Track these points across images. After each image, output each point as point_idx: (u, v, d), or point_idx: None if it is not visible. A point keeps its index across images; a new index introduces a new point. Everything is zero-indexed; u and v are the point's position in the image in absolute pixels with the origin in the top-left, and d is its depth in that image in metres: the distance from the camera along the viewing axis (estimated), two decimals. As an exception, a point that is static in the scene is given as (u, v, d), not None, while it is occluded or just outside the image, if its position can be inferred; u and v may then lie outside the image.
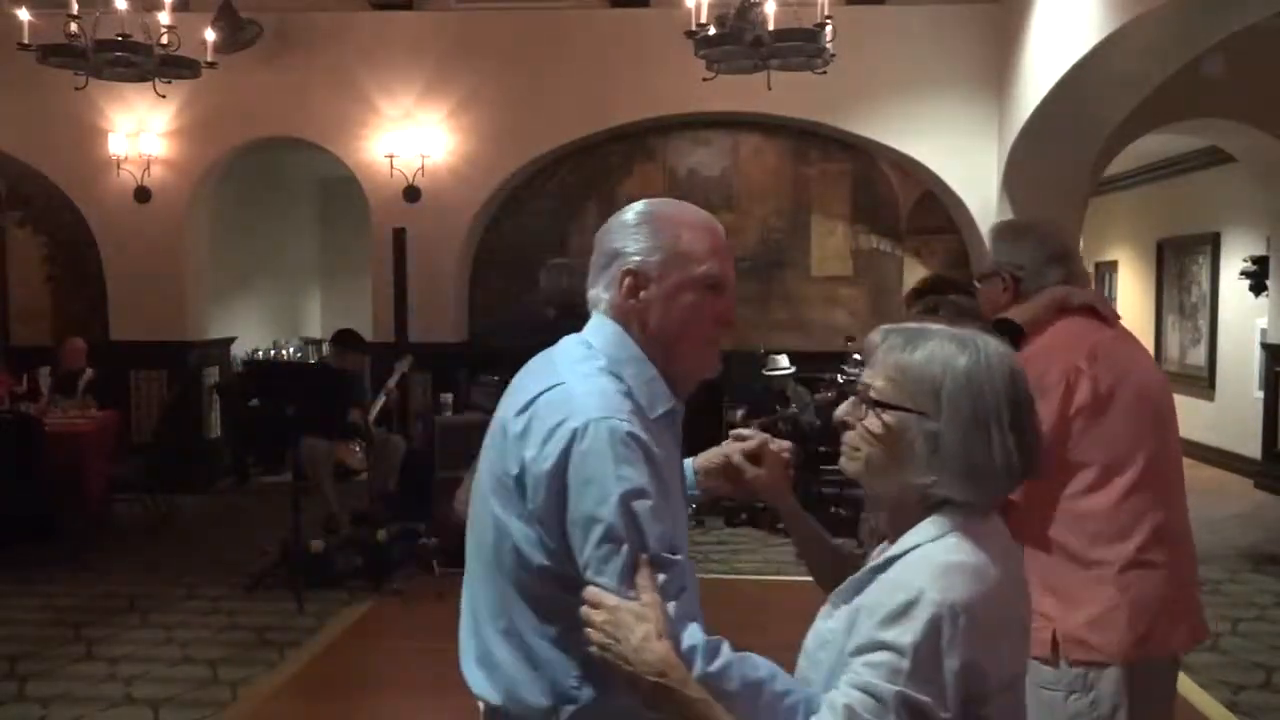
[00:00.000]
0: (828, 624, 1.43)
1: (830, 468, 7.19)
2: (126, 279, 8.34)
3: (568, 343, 1.59)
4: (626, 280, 1.53)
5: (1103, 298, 2.36)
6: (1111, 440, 2.14)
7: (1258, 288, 8.74)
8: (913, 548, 1.35)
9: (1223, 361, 9.61)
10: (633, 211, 1.58)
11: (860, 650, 1.29)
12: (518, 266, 8.62)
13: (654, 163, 8.60)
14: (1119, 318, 2.36)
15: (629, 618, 1.34)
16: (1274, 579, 6.07)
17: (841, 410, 1.46)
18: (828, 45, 5.69)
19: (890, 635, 1.26)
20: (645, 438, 1.43)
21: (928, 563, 1.31)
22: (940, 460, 1.35)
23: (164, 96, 6.94)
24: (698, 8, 5.63)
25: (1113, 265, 12.13)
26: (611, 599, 1.36)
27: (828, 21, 5.57)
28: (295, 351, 10.00)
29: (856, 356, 7.42)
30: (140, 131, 8.15)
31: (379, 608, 5.47)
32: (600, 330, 1.56)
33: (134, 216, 8.26)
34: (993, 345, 1.40)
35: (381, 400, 6.90)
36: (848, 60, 6.36)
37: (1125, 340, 2.31)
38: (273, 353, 9.78)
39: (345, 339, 6.89)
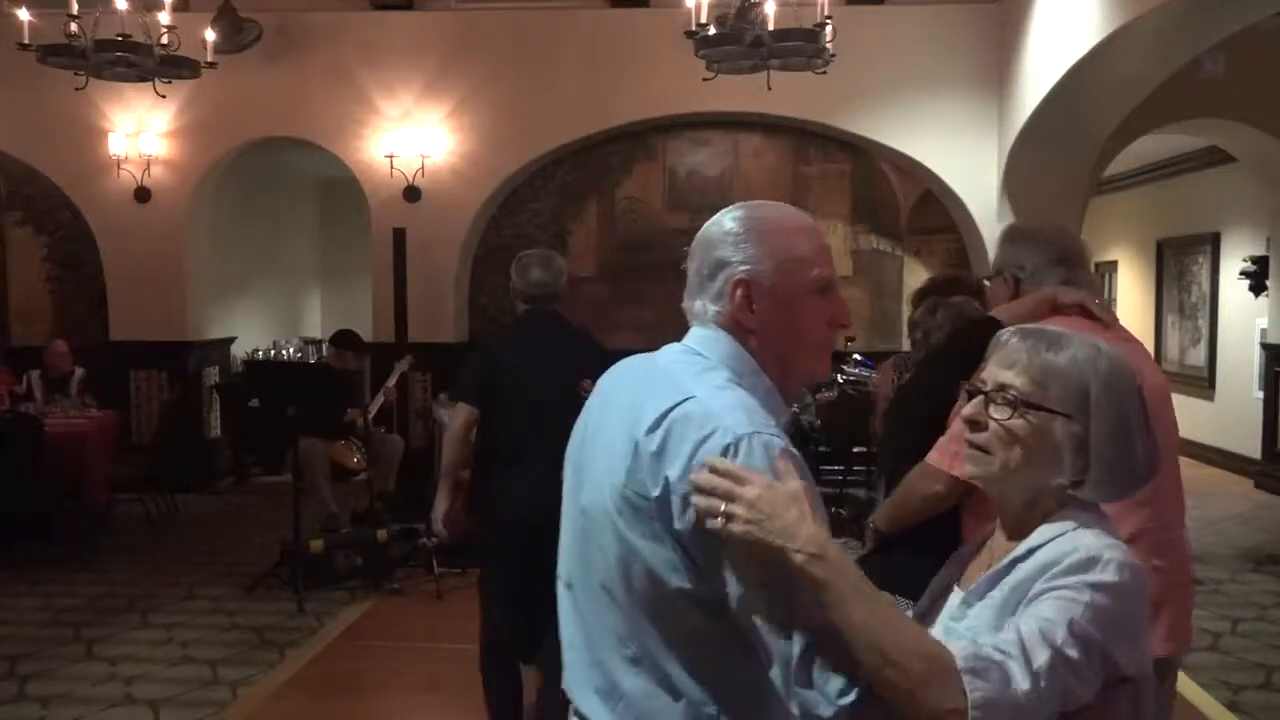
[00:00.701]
0: (963, 623, 1.41)
1: (830, 468, 7.20)
2: (126, 279, 8.34)
3: (674, 353, 1.52)
4: (739, 291, 1.46)
5: (1096, 298, 2.35)
6: None
7: (1258, 288, 8.74)
8: (1051, 539, 1.37)
9: (1223, 361, 9.61)
10: (734, 219, 1.50)
11: (1031, 600, 1.31)
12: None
13: (654, 163, 8.60)
14: (1115, 320, 2.35)
15: (783, 495, 1.29)
16: (1274, 579, 6.07)
17: (971, 410, 1.44)
18: (828, 45, 5.69)
19: (1070, 580, 1.30)
20: (797, 453, 1.38)
21: (1081, 544, 1.34)
22: (1084, 462, 1.38)
23: (164, 96, 6.93)
24: (698, 8, 5.63)
25: (1113, 265, 12.13)
26: (760, 478, 1.30)
27: (828, 21, 5.57)
28: (295, 352, 9.99)
29: (857, 356, 7.41)
30: (140, 131, 8.15)
31: (379, 608, 5.47)
32: (714, 342, 1.48)
33: (134, 216, 8.26)
34: (1115, 350, 1.45)
35: (381, 400, 6.90)
36: (848, 60, 6.36)
37: (1123, 342, 2.30)
38: (273, 353, 9.78)
39: (343, 339, 6.90)
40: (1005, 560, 1.40)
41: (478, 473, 3.62)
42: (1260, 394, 8.76)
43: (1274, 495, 8.32)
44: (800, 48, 5.66)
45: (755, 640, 1.31)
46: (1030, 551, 1.37)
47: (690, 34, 5.77)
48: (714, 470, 1.31)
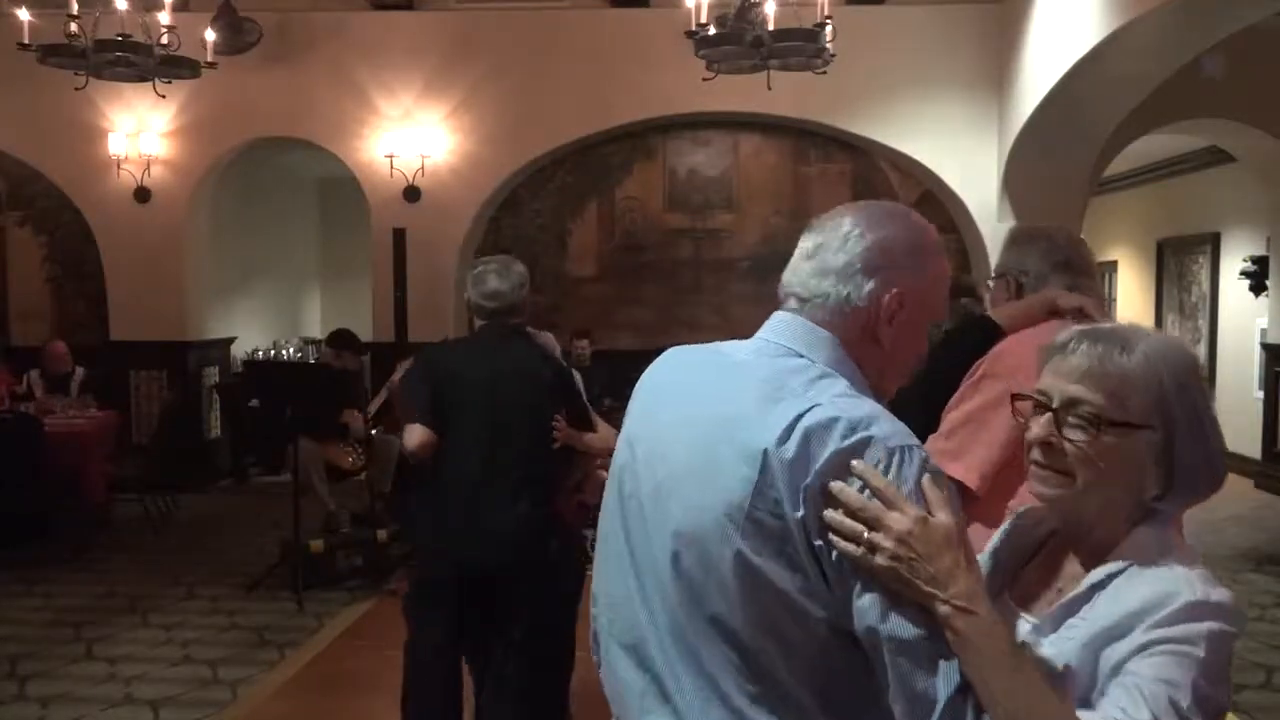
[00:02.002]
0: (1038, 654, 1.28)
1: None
2: (126, 279, 8.34)
3: (765, 350, 1.36)
4: (894, 303, 1.34)
5: (1099, 304, 2.34)
6: None
7: (1258, 288, 8.74)
8: (1132, 568, 1.25)
9: (1223, 361, 9.60)
10: (905, 224, 1.40)
11: (1134, 653, 1.18)
12: (518, 266, 8.61)
13: (654, 163, 8.60)
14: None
15: (940, 534, 1.17)
16: (1274, 579, 6.07)
17: (1041, 430, 1.29)
18: (828, 45, 5.69)
19: (1182, 632, 1.17)
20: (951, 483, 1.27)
21: (1182, 584, 1.21)
22: (1168, 469, 1.26)
23: (164, 96, 6.94)
24: (698, 8, 5.63)
25: (1113, 265, 12.13)
26: (913, 509, 1.17)
27: (828, 21, 5.57)
28: (295, 351, 9.99)
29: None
30: (140, 131, 8.15)
31: (379, 608, 5.46)
32: (818, 343, 1.34)
33: (134, 216, 8.26)
34: (1168, 334, 1.35)
35: (382, 399, 6.89)
36: (848, 60, 6.36)
37: None
38: (272, 353, 9.78)
39: (340, 340, 6.89)
40: (1083, 587, 1.27)
41: (422, 500, 3.29)
42: (1260, 394, 8.76)
43: (1274, 495, 8.32)
44: (800, 48, 5.66)
45: (884, 676, 1.20)
46: (1110, 578, 1.25)
47: (690, 34, 5.77)
48: (865, 484, 1.18)
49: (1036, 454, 1.30)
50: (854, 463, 1.20)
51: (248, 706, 4.28)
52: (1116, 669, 1.19)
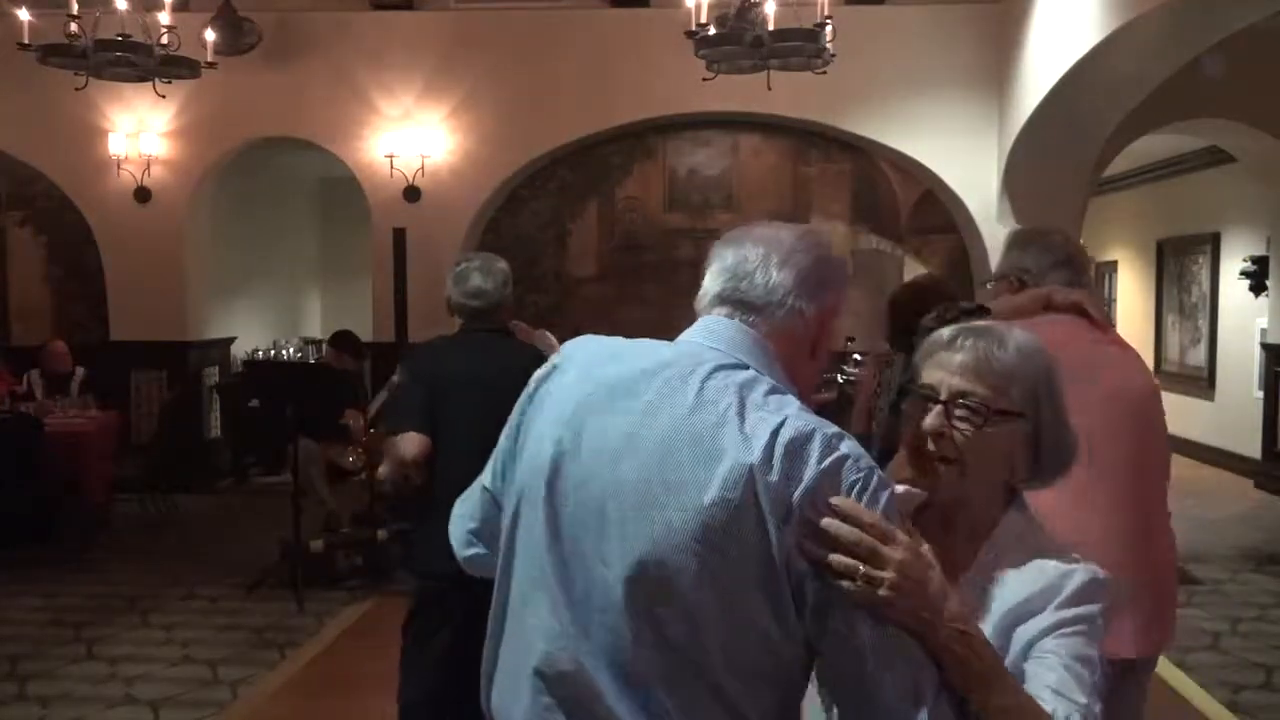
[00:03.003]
0: None
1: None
2: (126, 279, 8.34)
3: (708, 360, 1.29)
4: (830, 319, 1.37)
5: (1095, 300, 2.35)
6: None
7: (1258, 288, 8.74)
8: (1018, 545, 1.39)
9: (1223, 361, 9.60)
10: (829, 245, 1.41)
11: (1046, 632, 1.30)
12: (518, 266, 8.60)
13: (654, 163, 8.59)
14: (1111, 324, 2.37)
15: (925, 559, 1.19)
16: (1274, 579, 6.07)
17: (934, 422, 1.36)
18: (828, 45, 5.69)
19: (1084, 611, 1.31)
20: None
21: (1072, 566, 1.36)
22: (1035, 457, 1.41)
23: (164, 96, 6.94)
24: (698, 8, 5.63)
25: (1113, 265, 12.14)
26: (902, 536, 1.18)
27: (828, 21, 5.57)
28: (295, 352, 9.99)
29: (857, 356, 7.40)
30: (140, 131, 8.15)
31: (379, 608, 5.46)
32: (762, 354, 1.31)
33: (134, 216, 8.26)
34: (1029, 333, 1.46)
35: (382, 399, 6.89)
36: (848, 60, 6.36)
37: (1109, 344, 2.30)
38: (272, 353, 9.78)
39: (341, 340, 6.89)
40: (977, 566, 1.38)
41: (420, 514, 3.19)
42: (1260, 394, 8.76)
43: (1274, 495, 8.32)
44: (800, 48, 5.66)
45: (862, 707, 1.17)
46: (996, 557, 1.37)
47: (690, 34, 5.76)
48: (847, 519, 1.16)
49: (930, 444, 1.38)
50: (836, 501, 1.16)
51: (248, 706, 4.28)
52: (1030, 646, 1.29)
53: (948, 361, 1.38)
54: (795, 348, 1.35)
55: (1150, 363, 10.26)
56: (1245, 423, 8.92)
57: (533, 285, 8.62)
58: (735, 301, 1.35)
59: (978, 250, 7.90)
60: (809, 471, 1.16)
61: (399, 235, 7.67)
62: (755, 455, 1.16)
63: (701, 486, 1.17)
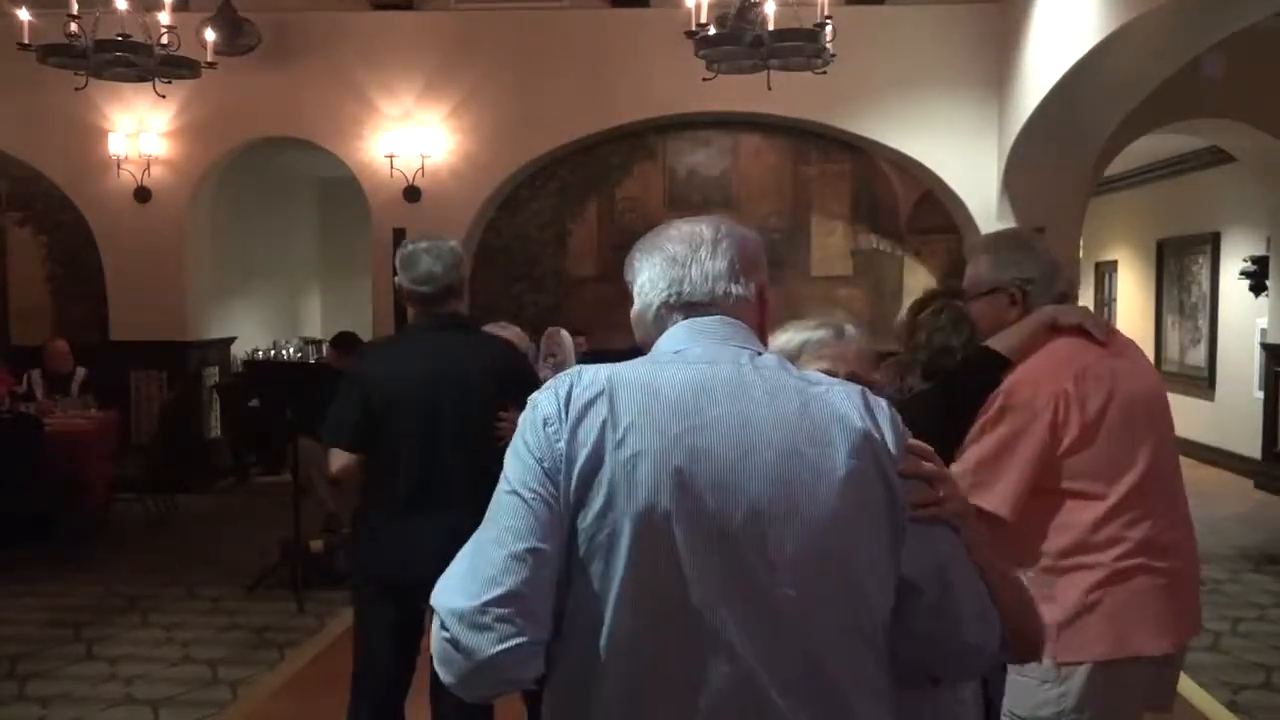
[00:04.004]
0: None
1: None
2: (126, 279, 8.34)
3: (743, 360, 1.32)
4: (766, 295, 1.45)
5: (1093, 315, 2.32)
6: (1102, 462, 2.16)
7: (1258, 288, 8.74)
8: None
9: (1223, 361, 9.60)
10: (735, 229, 1.46)
11: None
12: (518, 267, 8.63)
13: (654, 163, 8.60)
14: (1112, 332, 2.33)
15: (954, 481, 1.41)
16: (1274, 579, 6.07)
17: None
18: (828, 45, 5.69)
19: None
20: None
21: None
22: None
23: (164, 96, 6.94)
24: (698, 8, 5.63)
25: (1113, 265, 12.14)
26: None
27: (828, 21, 5.57)
28: (295, 352, 10.00)
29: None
30: (140, 131, 8.15)
31: (379, 608, 5.46)
32: (755, 339, 1.41)
33: (134, 216, 8.26)
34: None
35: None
36: (848, 60, 6.36)
37: (1115, 355, 2.28)
38: (273, 353, 9.78)
39: (342, 341, 6.90)
40: None
41: (359, 519, 3.10)
42: (1260, 394, 8.76)
43: (1274, 495, 8.32)
44: (800, 48, 5.66)
45: (941, 619, 1.30)
46: None
47: (690, 34, 5.77)
48: (917, 453, 1.33)
49: None
50: (913, 443, 1.32)
51: (248, 706, 4.28)
52: None
53: (844, 351, 1.80)
54: (757, 328, 1.43)
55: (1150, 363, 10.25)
56: (1245, 423, 8.92)
57: (533, 285, 8.63)
58: (707, 299, 1.39)
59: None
60: (888, 423, 1.30)
61: (399, 235, 7.66)
62: (859, 420, 1.27)
63: (835, 465, 1.24)
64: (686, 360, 1.31)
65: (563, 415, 1.25)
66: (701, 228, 1.43)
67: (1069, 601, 2.14)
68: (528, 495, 1.23)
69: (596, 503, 1.22)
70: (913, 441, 1.33)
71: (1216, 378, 9.68)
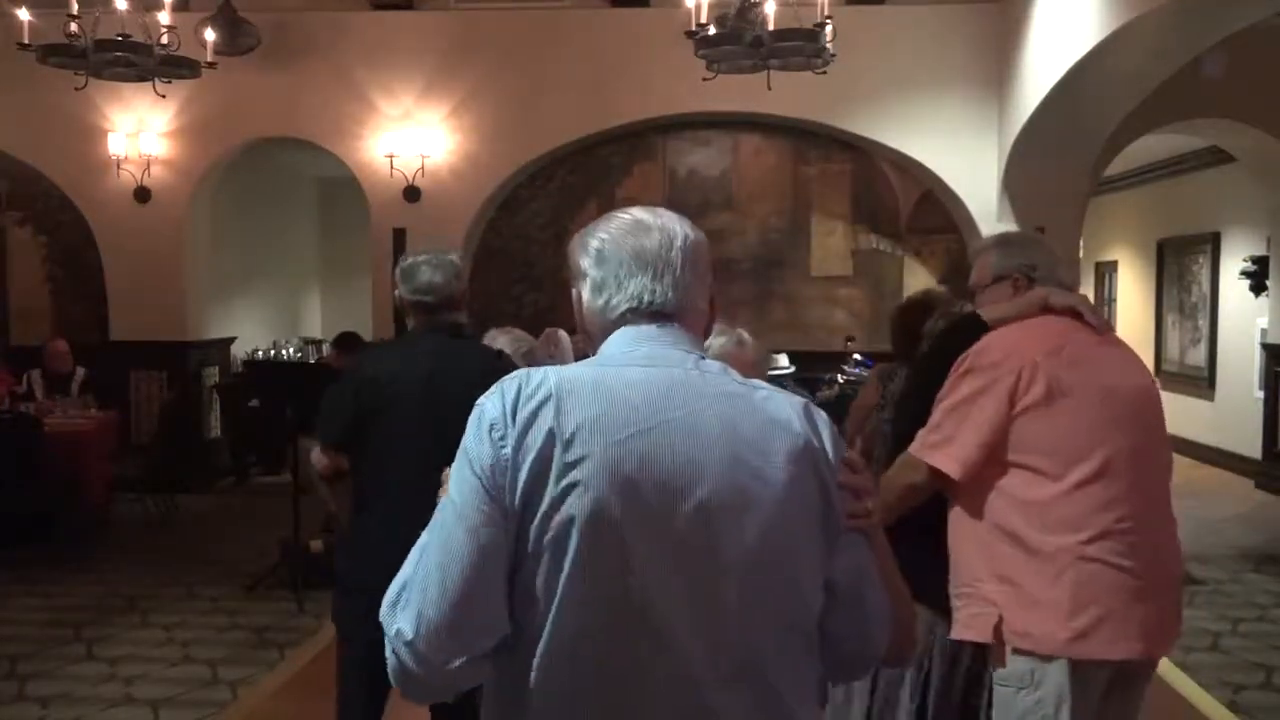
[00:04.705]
0: None
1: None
2: (126, 279, 8.34)
3: (689, 364, 1.33)
4: (715, 295, 1.47)
5: (1090, 305, 2.34)
6: (1063, 434, 2.14)
7: (1258, 288, 8.74)
8: None
9: (1223, 361, 9.60)
10: (696, 235, 1.45)
11: None
12: (518, 267, 8.63)
13: (654, 163, 8.59)
14: (1109, 328, 2.34)
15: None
16: (1274, 579, 6.07)
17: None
18: (828, 45, 5.69)
19: None
20: None
21: None
22: None
23: (164, 96, 6.94)
24: (698, 8, 5.63)
25: (1113, 265, 12.14)
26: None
27: (828, 21, 5.57)
28: (295, 352, 9.99)
29: (857, 356, 7.42)
30: (140, 131, 8.15)
31: (379, 608, 5.45)
32: (698, 344, 1.41)
33: (134, 216, 8.26)
34: None
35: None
36: (848, 60, 6.36)
37: (1106, 346, 2.29)
38: (273, 353, 9.78)
39: (345, 341, 6.89)
40: None
41: (350, 523, 3.10)
42: (1260, 394, 8.76)
43: (1274, 495, 8.32)
44: (800, 48, 5.66)
45: (851, 624, 1.35)
46: None
47: (690, 34, 5.77)
48: (850, 466, 1.36)
49: None
50: (850, 456, 1.35)
51: (248, 706, 4.28)
52: None
53: (743, 357, 2.10)
54: (700, 332, 1.44)
55: (1150, 363, 10.26)
56: (1245, 423, 8.92)
57: (533, 285, 8.62)
58: (650, 314, 1.37)
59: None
60: (827, 432, 1.33)
61: (399, 235, 7.68)
62: (800, 428, 1.30)
63: (779, 472, 1.27)
64: (634, 363, 1.31)
65: (509, 421, 1.24)
66: (672, 226, 1.41)
67: (1036, 588, 2.11)
68: (473, 508, 1.23)
69: (542, 507, 1.22)
70: (848, 454, 1.36)
71: (1216, 378, 9.68)
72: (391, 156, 8.00)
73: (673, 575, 1.22)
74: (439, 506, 1.28)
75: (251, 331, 9.77)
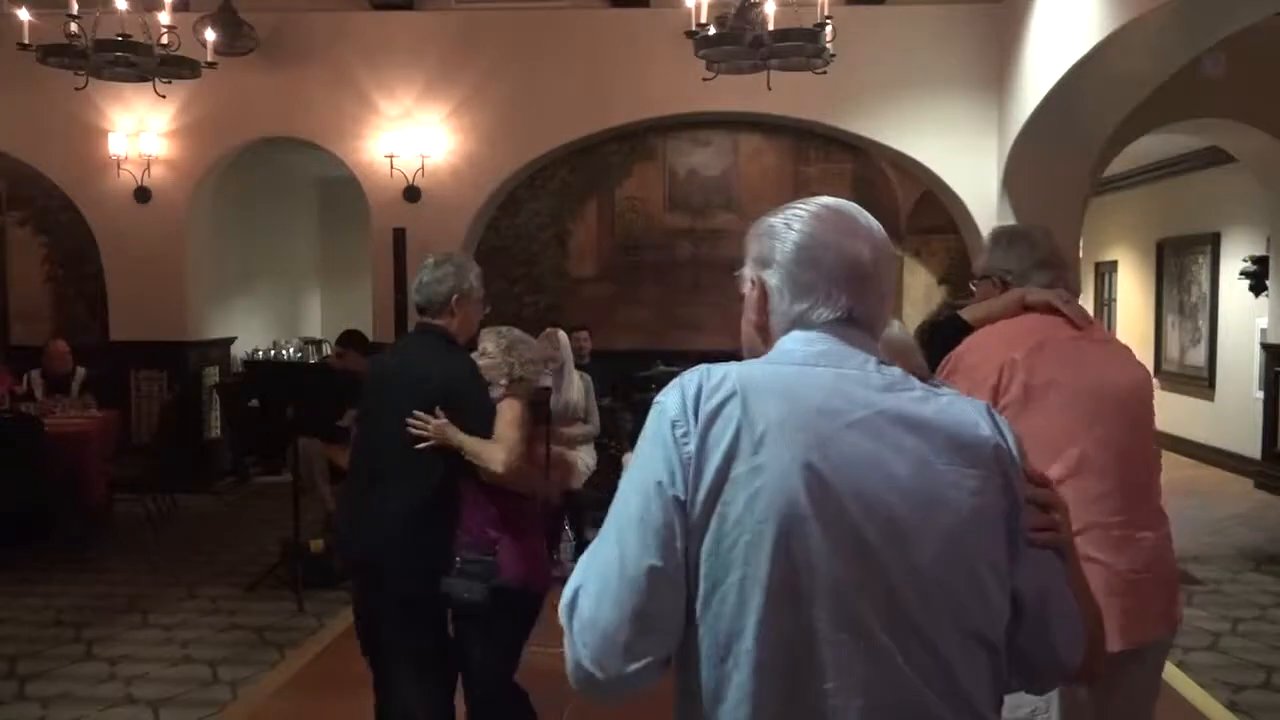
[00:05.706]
0: None
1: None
2: (126, 279, 8.34)
3: (871, 359, 1.31)
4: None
5: (1069, 298, 2.35)
6: (1038, 431, 2.13)
7: (1258, 288, 8.74)
8: None
9: (1223, 361, 9.60)
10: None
11: None
12: (518, 267, 8.63)
13: (654, 163, 8.60)
14: (1090, 321, 2.35)
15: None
16: (1274, 579, 6.07)
17: None
18: (828, 45, 5.69)
19: None
20: None
21: None
22: None
23: (164, 96, 6.94)
24: (698, 8, 5.63)
25: (1113, 265, 12.14)
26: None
27: (828, 21, 5.57)
28: (295, 352, 9.99)
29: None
30: (140, 131, 8.15)
31: (379, 608, 5.46)
32: (875, 346, 1.37)
33: (134, 216, 8.26)
34: None
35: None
36: (848, 60, 6.36)
37: (1088, 342, 2.30)
38: (273, 353, 9.78)
39: (348, 340, 6.88)
40: None
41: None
42: (1260, 394, 8.76)
43: (1274, 495, 8.32)
44: (800, 48, 5.66)
45: (1039, 638, 1.30)
46: None
47: (690, 34, 5.77)
48: (1035, 480, 1.33)
49: None
50: (1030, 468, 1.32)
51: (248, 706, 4.28)
52: None
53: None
54: (878, 332, 1.41)
55: (1150, 363, 10.26)
56: (1245, 423, 8.92)
57: (533, 285, 8.62)
58: (848, 321, 1.32)
59: (978, 250, 7.89)
60: (1010, 436, 1.29)
61: (399, 235, 7.68)
62: (988, 431, 1.27)
63: (963, 471, 1.24)
64: (814, 362, 1.27)
65: (691, 418, 1.20)
66: (874, 228, 1.35)
67: None
68: (653, 510, 1.19)
69: (732, 510, 1.18)
70: (1031, 468, 1.32)
71: (1216, 378, 9.68)
72: (391, 156, 8.00)
73: (868, 580, 1.18)
74: (613, 509, 1.24)
75: (251, 331, 9.77)
